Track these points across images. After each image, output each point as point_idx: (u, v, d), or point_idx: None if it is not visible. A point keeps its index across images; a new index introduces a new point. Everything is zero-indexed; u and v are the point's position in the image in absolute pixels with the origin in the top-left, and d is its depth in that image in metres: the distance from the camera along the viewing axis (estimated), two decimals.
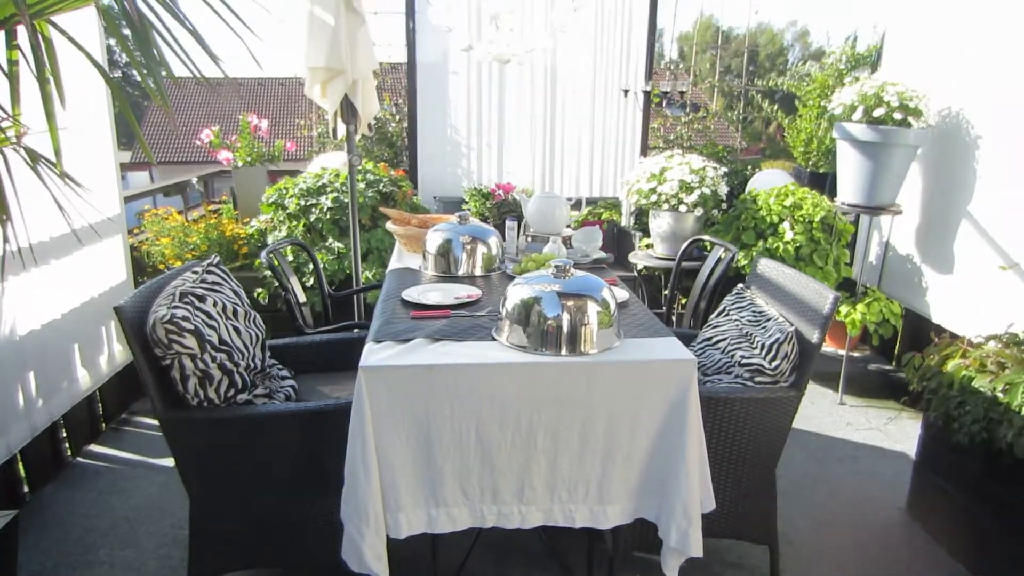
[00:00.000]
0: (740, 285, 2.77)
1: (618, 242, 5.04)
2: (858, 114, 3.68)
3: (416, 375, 1.85)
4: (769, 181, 4.77)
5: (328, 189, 4.13)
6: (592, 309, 1.94)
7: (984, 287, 3.51)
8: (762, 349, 2.34)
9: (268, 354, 2.62)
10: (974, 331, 3.55)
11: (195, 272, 2.41)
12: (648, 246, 4.63)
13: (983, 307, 3.50)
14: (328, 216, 4.04)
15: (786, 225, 3.97)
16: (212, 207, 5.35)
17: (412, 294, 2.42)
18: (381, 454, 1.86)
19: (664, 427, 1.94)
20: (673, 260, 4.32)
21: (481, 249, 2.76)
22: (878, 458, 3.37)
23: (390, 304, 2.35)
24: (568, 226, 3.19)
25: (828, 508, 2.97)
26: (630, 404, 1.93)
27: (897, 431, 3.64)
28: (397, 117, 5.47)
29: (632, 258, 4.55)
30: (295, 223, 4.15)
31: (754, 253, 3.98)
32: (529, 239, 3.13)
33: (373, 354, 1.90)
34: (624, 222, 5.13)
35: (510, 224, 3.08)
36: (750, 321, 2.53)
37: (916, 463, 2.88)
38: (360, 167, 4.28)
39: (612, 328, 1.98)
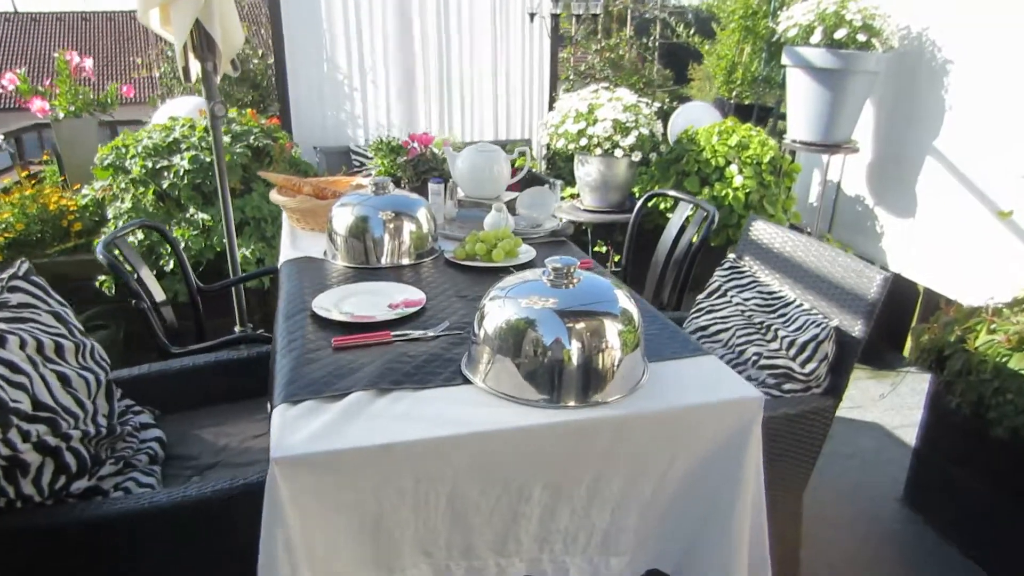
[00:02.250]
0: (731, 255, 2.25)
1: None
2: (816, 36, 3.20)
3: (364, 459, 1.19)
4: (694, 117, 4.28)
5: (183, 145, 3.24)
6: (613, 332, 1.34)
7: (951, 231, 3.19)
8: (790, 347, 1.83)
9: (118, 397, 1.86)
10: (936, 280, 3.27)
11: None
12: (573, 196, 4.05)
13: (949, 253, 3.19)
14: (186, 181, 3.16)
15: (734, 168, 3.49)
16: (30, 171, 4.26)
17: (326, 303, 1.72)
18: (311, 549, 1.21)
19: (706, 479, 1.40)
20: (604, 212, 3.80)
21: (408, 227, 2.07)
22: (854, 434, 3.03)
23: (296, 324, 1.64)
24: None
25: (820, 500, 2.58)
26: (663, 455, 1.37)
27: (860, 396, 3.33)
28: (260, 51, 4.52)
29: (556, 211, 3.95)
30: (142, 190, 3.24)
31: None
32: (457, 205, 2.46)
33: (289, 429, 1.22)
34: (537, 167, 4.52)
35: (434, 188, 2.40)
36: (761, 306, 2.02)
37: (919, 450, 2.53)
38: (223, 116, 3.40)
39: (638, 352, 1.39)
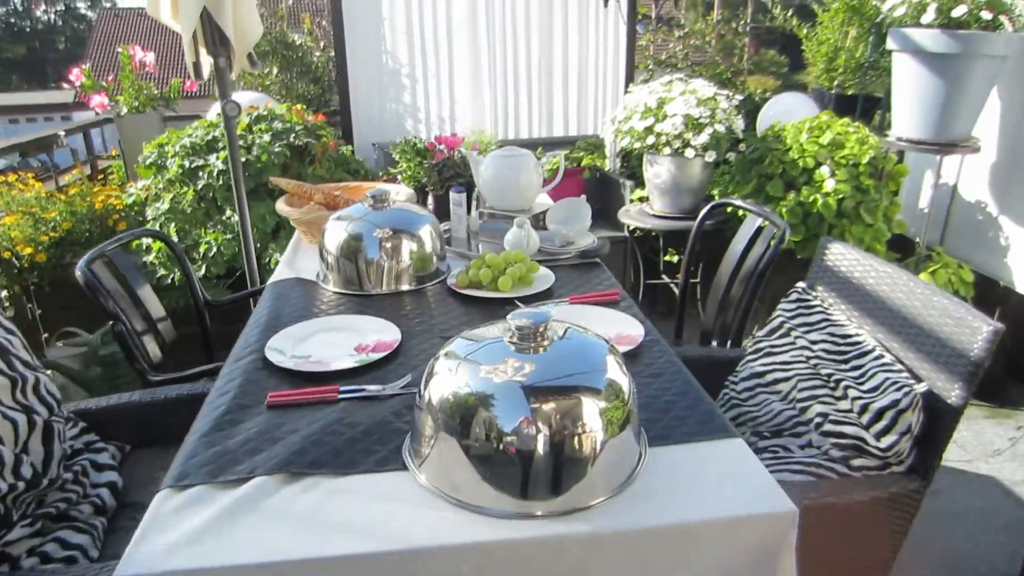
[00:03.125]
0: (801, 285, 1.84)
1: (603, 193, 4.06)
2: (929, 15, 2.68)
3: None
4: (787, 110, 3.80)
5: (220, 144, 3.09)
6: (593, 413, 1.01)
7: None
8: (863, 412, 1.43)
9: (76, 432, 1.68)
10: None
11: None
12: (642, 199, 3.67)
13: None
14: (221, 182, 3.01)
15: (825, 170, 3.02)
16: (99, 167, 4.28)
17: (283, 344, 1.46)
18: None
19: None
20: (675, 219, 3.40)
21: (408, 247, 1.79)
22: (962, 489, 2.52)
23: (239, 370, 1.38)
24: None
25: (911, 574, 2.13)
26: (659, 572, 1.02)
27: (973, 440, 2.80)
28: (322, 44, 4.35)
29: (622, 216, 3.59)
30: (182, 190, 3.12)
31: (783, 210, 3.04)
32: (483, 217, 2.16)
33: (156, 529, 0.96)
34: (609, 166, 4.14)
35: (455, 197, 2.10)
36: (831, 354, 1.61)
37: None
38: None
39: (629, 435, 1.05)
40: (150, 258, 3.02)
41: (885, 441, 1.39)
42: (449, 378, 1.05)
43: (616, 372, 1.05)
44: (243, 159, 2.99)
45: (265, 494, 1.02)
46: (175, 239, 3.03)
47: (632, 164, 4.08)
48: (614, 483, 1.03)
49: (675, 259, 3.71)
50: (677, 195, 3.37)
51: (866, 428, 1.42)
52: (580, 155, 4.01)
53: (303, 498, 1.01)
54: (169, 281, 3.00)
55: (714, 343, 2.31)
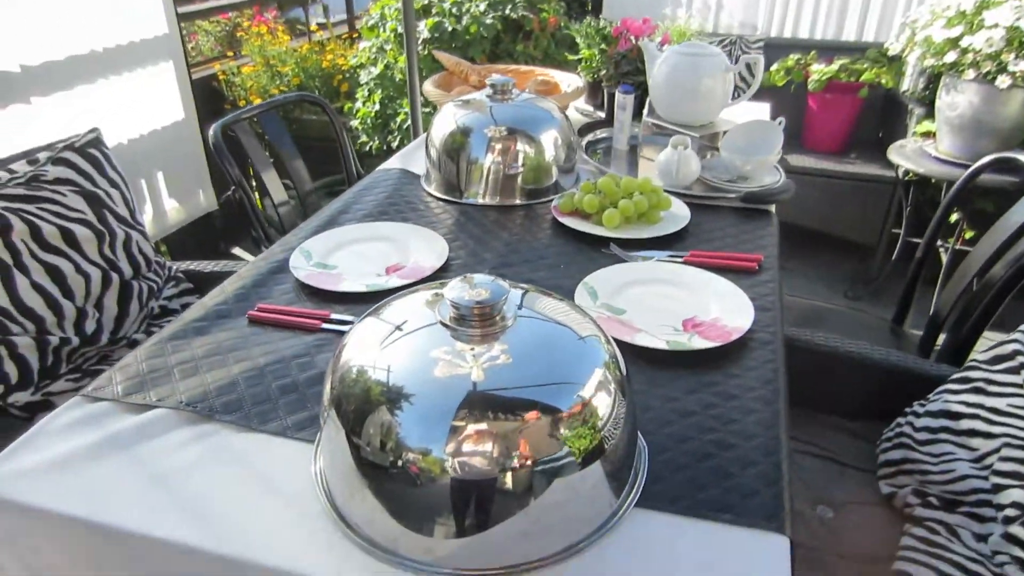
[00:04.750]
0: None
1: (884, 120, 3.27)
2: None
3: (61, 528, 0.76)
4: None
5: (434, 10, 2.91)
6: (538, 440, 0.67)
7: None
8: None
9: (170, 295, 1.67)
10: None
11: (32, 162, 1.45)
12: (927, 134, 2.86)
13: None
14: (426, 51, 2.85)
15: None
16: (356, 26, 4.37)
17: (320, 248, 1.25)
18: None
19: None
20: (963, 165, 2.59)
21: (523, 150, 1.46)
22: None
23: (258, 269, 1.21)
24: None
25: None
26: None
27: None
28: None
29: (893, 152, 2.83)
30: (398, 55, 3.02)
31: None
32: (651, 127, 1.74)
33: (40, 442, 0.83)
34: (907, 86, 3.28)
35: (620, 99, 1.70)
36: None
37: None
38: None
39: (593, 476, 0.70)
40: (354, 123, 3.01)
41: None
42: (363, 342, 0.77)
43: (600, 392, 0.69)
44: (451, 28, 2.79)
45: (156, 431, 0.84)
46: (377, 107, 2.97)
47: (936, 90, 3.20)
48: (554, 546, 0.70)
49: (953, 219, 2.89)
50: (975, 136, 2.56)
51: None
52: (863, 67, 3.21)
53: (186, 451, 0.81)
54: (367, 149, 2.97)
55: (940, 342, 1.72)
